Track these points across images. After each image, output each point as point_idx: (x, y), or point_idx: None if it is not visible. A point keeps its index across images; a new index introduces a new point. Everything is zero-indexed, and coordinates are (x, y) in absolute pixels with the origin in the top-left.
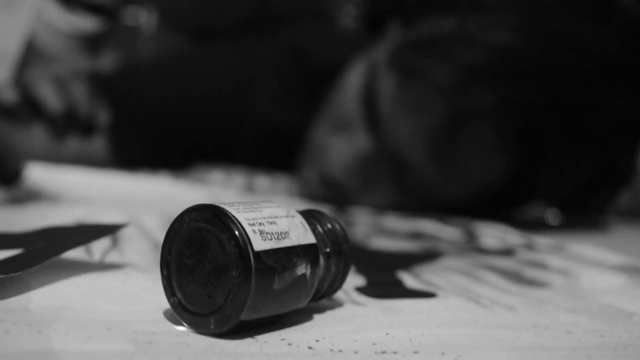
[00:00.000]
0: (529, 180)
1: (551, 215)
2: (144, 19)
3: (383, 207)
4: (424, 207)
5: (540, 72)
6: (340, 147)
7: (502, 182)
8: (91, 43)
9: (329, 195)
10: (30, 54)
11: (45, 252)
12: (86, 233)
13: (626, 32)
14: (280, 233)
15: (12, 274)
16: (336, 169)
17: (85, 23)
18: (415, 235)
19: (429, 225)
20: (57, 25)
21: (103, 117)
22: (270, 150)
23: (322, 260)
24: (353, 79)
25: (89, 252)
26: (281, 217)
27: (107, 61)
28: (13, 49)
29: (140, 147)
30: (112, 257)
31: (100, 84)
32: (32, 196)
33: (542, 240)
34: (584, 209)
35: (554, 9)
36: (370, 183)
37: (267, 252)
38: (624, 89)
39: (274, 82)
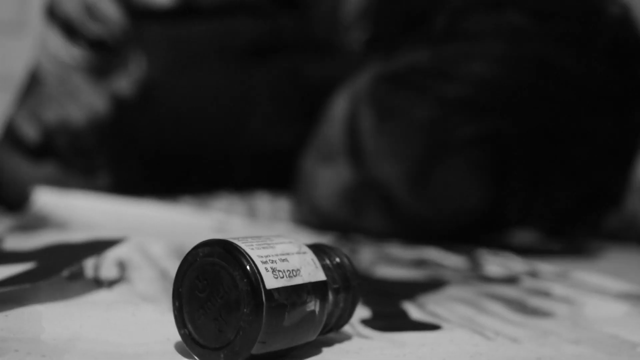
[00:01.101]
0: (507, 209)
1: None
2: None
3: (377, 236)
4: (414, 235)
5: (520, 102)
6: (326, 177)
7: (482, 211)
8: (96, 72)
9: (322, 225)
10: (34, 85)
11: (57, 265)
12: (93, 246)
13: (611, 53)
14: (292, 271)
15: (28, 285)
16: (324, 199)
17: (87, 56)
18: (420, 263)
19: (433, 253)
20: (60, 56)
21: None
22: (267, 171)
23: (331, 296)
24: (338, 109)
25: (98, 282)
26: (293, 254)
27: (123, 82)
28: (18, 74)
29: (140, 174)
30: (121, 287)
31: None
32: (40, 222)
33: (546, 268)
34: (567, 233)
35: (533, 35)
36: (359, 212)
37: (278, 290)
38: (607, 114)
39: (267, 102)
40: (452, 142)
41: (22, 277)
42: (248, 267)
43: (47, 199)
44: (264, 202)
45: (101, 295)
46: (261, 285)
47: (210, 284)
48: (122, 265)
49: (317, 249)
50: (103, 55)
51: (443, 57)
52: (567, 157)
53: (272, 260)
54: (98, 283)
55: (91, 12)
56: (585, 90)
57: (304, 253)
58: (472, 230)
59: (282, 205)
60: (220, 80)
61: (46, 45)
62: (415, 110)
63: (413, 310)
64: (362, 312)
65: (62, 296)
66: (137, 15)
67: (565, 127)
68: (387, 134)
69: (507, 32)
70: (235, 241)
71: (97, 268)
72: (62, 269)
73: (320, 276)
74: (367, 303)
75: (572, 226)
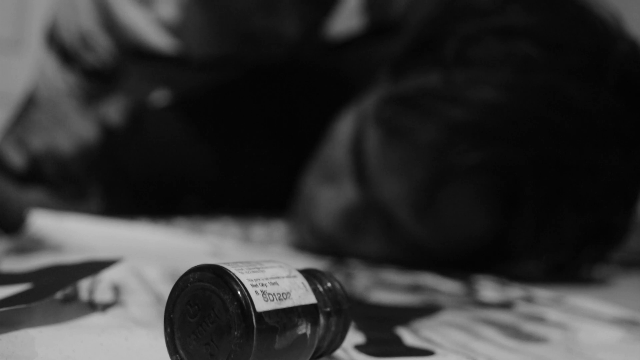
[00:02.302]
0: (512, 239)
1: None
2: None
3: (374, 260)
4: (414, 261)
5: (527, 131)
6: (328, 197)
7: (487, 240)
8: (86, 100)
9: (320, 247)
10: (27, 109)
11: (53, 286)
12: (88, 267)
13: (620, 88)
14: (282, 294)
15: (24, 305)
16: (324, 220)
17: (81, 84)
18: (415, 288)
19: (428, 279)
20: (55, 82)
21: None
22: (260, 198)
23: (322, 320)
24: (343, 128)
25: (92, 305)
26: (283, 277)
27: (113, 109)
28: (16, 92)
29: (131, 201)
30: (115, 311)
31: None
32: (35, 245)
33: (542, 293)
34: (571, 266)
35: (543, 66)
36: (359, 235)
37: (268, 313)
38: (615, 149)
39: (260, 133)
40: (457, 166)
41: (17, 297)
42: (238, 291)
43: (42, 222)
44: (259, 225)
45: (95, 319)
46: (251, 308)
47: (201, 309)
48: (116, 289)
49: (308, 273)
50: (96, 83)
51: (452, 81)
52: (574, 190)
53: (262, 284)
54: (92, 306)
55: (87, 43)
56: (593, 124)
57: (294, 277)
58: (475, 260)
59: (277, 228)
60: (212, 116)
61: (44, 69)
62: (421, 132)
63: (407, 336)
64: (355, 337)
65: (55, 320)
66: (129, 53)
67: (572, 159)
68: (392, 153)
69: (517, 61)
70: (226, 265)
71: (91, 291)
72: (58, 289)
73: (311, 299)
74: (361, 328)
75: (576, 260)
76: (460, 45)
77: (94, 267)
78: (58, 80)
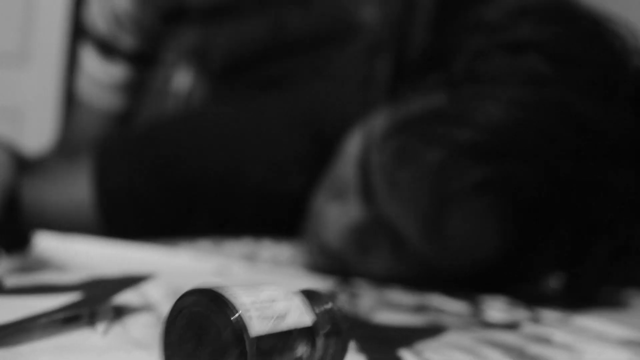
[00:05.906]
0: (522, 260)
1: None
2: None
3: (380, 279)
4: (423, 279)
5: (536, 147)
6: (336, 214)
7: (498, 259)
8: (127, 91)
9: (329, 265)
10: (74, 106)
11: (103, 295)
12: (128, 281)
13: (633, 104)
14: (278, 317)
15: (82, 310)
16: (332, 236)
17: (123, 72)
18: (420, 308)
19: (434, 299)
20: (96, 75)
21: None
22: (270, 217)
23: (319, 341)
24: (352, 147)
25: (93, 326)
26: (279, 300)
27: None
28: (22, 106)
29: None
30: (115, 332)
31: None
32: (40, 265)
33: (548, 314)
34: (588, 288)
35: (554, 82)
36: (367, 252)
37: (263, 337)
38: (629, 168)
39: (274, 148)
40: (463, 184)
41: (79, 303)
42: (231, 316)
43: (48, 243)
44: (265, 246)
45: (95, 341)
46: (245, 334)
47: (197, 334)
48: (118, 309)
49: (305, 295)
50: (140, 68)
51: (460, 100)
52: (586, 209)
53: (257, 308)
54: (93, 327)
55: (122, 24)
56: (604, 141)
57: (291, 299)
58: (487, 280)
59: (284, 249)
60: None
61: (82, 66)
62: (427, 154)
63: (410, 358)
64: (357, 359)
65: (56, 340)
66: (167, 17)
67: (585, 177)
68: (399, 176)
69: (528, 77)
70: (221, 290)
71: (93, 312)
72: (107, 298)
73: (308, 321)
74: (364, 349)
75: (593, 282)
76: (469, 62)
77: (133, 281)
78: (100, 73)
